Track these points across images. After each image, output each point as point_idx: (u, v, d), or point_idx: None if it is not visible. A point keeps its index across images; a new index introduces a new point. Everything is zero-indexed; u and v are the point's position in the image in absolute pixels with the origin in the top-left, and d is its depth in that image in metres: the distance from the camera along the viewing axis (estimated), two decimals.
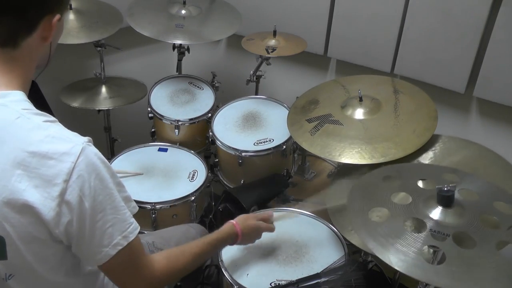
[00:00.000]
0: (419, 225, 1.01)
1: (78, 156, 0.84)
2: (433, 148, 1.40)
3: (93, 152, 0.87)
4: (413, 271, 0.90)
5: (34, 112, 0.88)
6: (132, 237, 0.92)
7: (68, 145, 0.84)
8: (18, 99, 0.88)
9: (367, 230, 1.00)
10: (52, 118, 0.89)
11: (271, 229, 1.32)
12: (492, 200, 1.06)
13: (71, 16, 1.86)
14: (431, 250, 0.97)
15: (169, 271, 1.02)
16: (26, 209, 0.83)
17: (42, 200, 0.83)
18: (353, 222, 1.06)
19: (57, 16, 0.90)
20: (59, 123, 0.89)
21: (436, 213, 1.01)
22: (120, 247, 0.90)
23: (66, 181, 0.83)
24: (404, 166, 1.29)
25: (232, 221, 1.24)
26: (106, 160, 0.90)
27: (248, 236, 1.25)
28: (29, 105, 0.89)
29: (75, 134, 0.88)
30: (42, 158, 0.83)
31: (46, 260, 0.91)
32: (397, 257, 0.93)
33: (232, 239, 1.22)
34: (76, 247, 0.90)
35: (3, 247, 0.86)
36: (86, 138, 0.88)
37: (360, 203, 1.09)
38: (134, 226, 0.94)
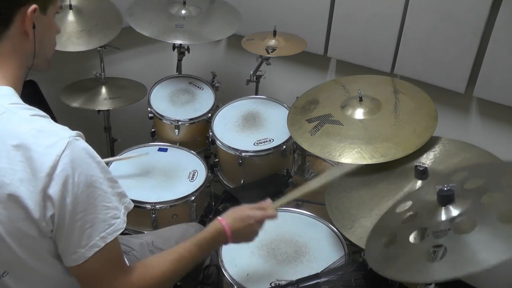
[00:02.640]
0: (422, 233, 0.98)
1: (63, 150, 0.82)
2: (433, 150, 1.40)
3: (81, 147, 0.85)
4: (416, 276, 0.89)
5: (23, 107, 0.87)
6: (110, 238, 0.88)
7: (54, 139, 0.83)
8: (5, 94, 0.87)
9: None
10: (42, 113, 0.88)
11: (273, 215, 1.17)
12: (500, 177, 1.01)
13: (70, 17, 1.86)
14: (432, 250, 0.96)
15: (147, 280, 0.96)
16: (13, 203, 0.82)
17: (28, 193, 0.82)
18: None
19: (32, 7, 0.88)
20: (49, 118, 0.88)
21: (438, 214, 1.00)
22: (96, 249, 0.87)
23: (50, 174, 0.81)
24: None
25: (218, 217, 1.13)
26: (96, 155, 0.87)
27: (240, 230, 1.12)
28: (17, 99, 0.88)
29: (64, 128, 0.86)
30: (27, 151, 0.81)
31: (41, 256, 0.89)
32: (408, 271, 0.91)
33: (221, 235, 1.10)
34: (55, 241, 0.88)
35: None
36: (74, 132, 0.86)
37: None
38: (115, 228, 0.89)
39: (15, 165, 0.82)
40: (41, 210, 0.82)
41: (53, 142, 0.82)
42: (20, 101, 0.88)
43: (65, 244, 0.87)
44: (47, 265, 0.91)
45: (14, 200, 0.82)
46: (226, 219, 1.12)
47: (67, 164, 0.82)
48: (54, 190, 0.82)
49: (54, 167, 0.81)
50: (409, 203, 1.11)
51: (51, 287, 0.95)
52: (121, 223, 0.91)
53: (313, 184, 1.24)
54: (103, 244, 0.87)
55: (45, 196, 0.82)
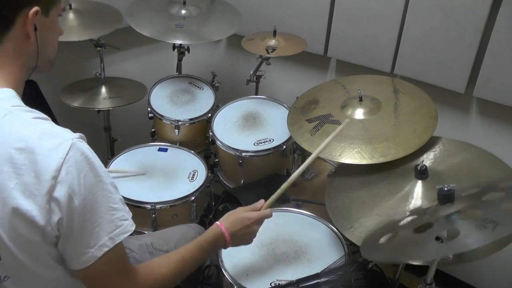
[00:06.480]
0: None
1: (67, 152, 0.81)
2: (433, 150, 1.40)
3: (84, 148, 0.84)
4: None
5: (24, 109, 0.86)
6: (118, 240, 0.89)
7: (57, 141, 0.82)
8: (7, 96, 0.87)
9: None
10: (44, 115, 0.87)
11: (268, 215, 1.19)
12: None
13: (70, 15, 1.86)
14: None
15: (152, 281, 0.98)
16: (16, 208, 0.81)
17: (32, 197, 0.80)
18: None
19: (34, 9, 0.87)
20: (51, 121, 0.87)
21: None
22: (106, 249, 0.87)
23: (55, 177, 0.80)
24: None
25: (216, 222, 1.15)
26: (97, 158, 0.87)
27: (238, 232, 1.15)
28: (19, 102, 0.87)
29: (66, 130, 0.86)
30: (30, 154, 0.80)
31: (42, 260, 0.88)
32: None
33: (220, 240, 1.13)
34: (62, 246, 0.87)
35: None
36: (77, 134, 0.85)
37: None
38: (123, 230, 0.90)
39: (18, 168, 0.80)
40: (46, 214, 0.81)
41: (57, 145, 0.81)
42: (22, 103, 0.87)
43: (74, 247, 0.86)
44: (48, 269, 0.90)
45: (17, 204, 0.80)
46: (223, 223, 1.14)
47: (72, 166, 0.81)
48: (60, 193, 0.81)
49: (58, 170, 0.80)
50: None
51: None
52: (129, 225, 0.91)
53: (296, 174, 1.25)
54: (112, 245, 0.88)
55: (50, 199, 0.81)
